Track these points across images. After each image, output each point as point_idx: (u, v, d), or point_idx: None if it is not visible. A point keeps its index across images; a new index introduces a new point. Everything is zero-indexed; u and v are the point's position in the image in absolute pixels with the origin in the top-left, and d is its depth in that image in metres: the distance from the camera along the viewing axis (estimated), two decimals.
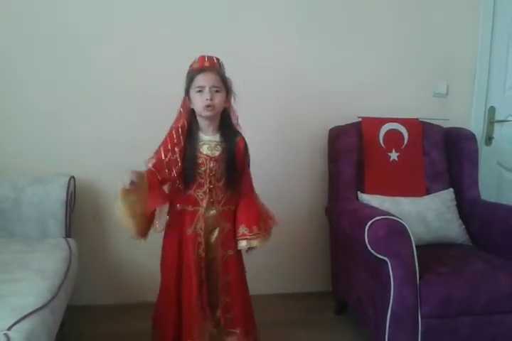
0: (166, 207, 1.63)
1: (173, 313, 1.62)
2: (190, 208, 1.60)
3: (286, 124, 2.43)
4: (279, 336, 2.03)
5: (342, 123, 2.33)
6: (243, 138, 1.66)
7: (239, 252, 1.68)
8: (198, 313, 1.58)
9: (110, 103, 2.25)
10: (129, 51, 2.24)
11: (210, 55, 1.59)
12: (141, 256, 2.34)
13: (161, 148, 1.58)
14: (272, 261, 2.49)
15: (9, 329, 1.14)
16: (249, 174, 1.70)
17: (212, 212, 1.61)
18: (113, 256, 2.35)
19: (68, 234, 2.05)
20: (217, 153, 1.59)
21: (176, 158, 1.55)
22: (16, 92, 2.18)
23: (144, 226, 1.58)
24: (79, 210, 2.21)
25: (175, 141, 1.57)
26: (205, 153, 1.58)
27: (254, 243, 1.63)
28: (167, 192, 1.65)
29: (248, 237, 1.62)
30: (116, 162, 2.20)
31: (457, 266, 1.77)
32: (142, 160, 1.58)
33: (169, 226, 1.65)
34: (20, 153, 2.20)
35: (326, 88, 2.45)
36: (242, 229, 1.63)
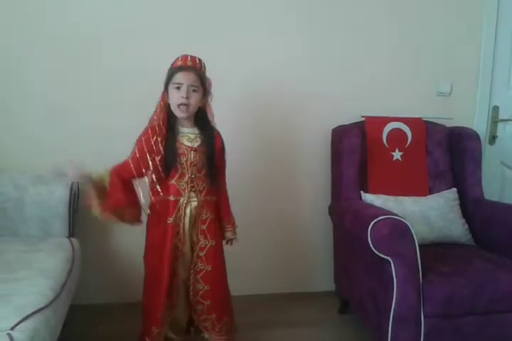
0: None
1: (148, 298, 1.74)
2: (171, 198, 1.64)
3: (289, 124, 2.43)
4: (283, 335, 2.03)
5: (345, 122, 2.33)
6: (219, 134, 1.74)
7: (221, 242, 1.75)
8: (164, 302, 1.66)
9: (113, 102, 2.25)
10: (130, 50, 2.24)
11: (192, 55, 1.65)
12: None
13: (142, 138, 1.62)
14: (274, 261, 2.50)
15: (12, 329, 1.15)
16: (224, 170, 1.79)
17: (195, 203, 1.66)
18: (116, 255, 2.35)
19: (71, 234, 2.06)
20: (196, 144, 1.66)
21: (159, 149, 1.60)
22: (18, 91, 2.19)
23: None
24: (82, 210, 2.21)
25: (157, 132, 1.61)
26: (185, 144, 1.64)
27: (234, 234, 1.80)
28: (148, 182, 1.67)
29: (233, 228, 1.79)
30: (120, 162, 2.21)
31: (460, 265, 1.77)
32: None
33: (152, 215, 1.70)
34: (23, 152, 2.20)
35: (330, 88, 2.45)
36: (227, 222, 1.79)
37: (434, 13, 2.51)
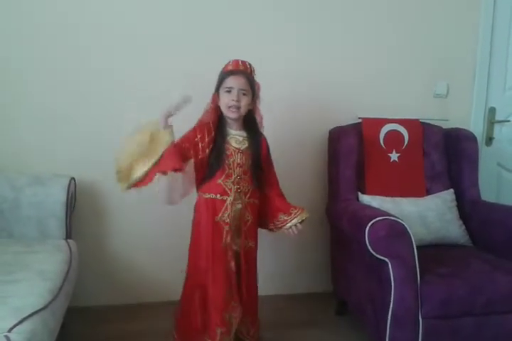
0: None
1: (198, 299, 1.69)
2: (218, 197, 1.69)
3: (286, 125, 2.42)
4: (281, 336, 2.03)
5: (342, 123, 2.33)
6: (265, 138, 1.82)
7: (257, 245, 1.80)
8: (228, 301, 1.65)
9: (111, 103, 2.25)
10: (129, 51, 2.24)
11: (243, 59, 1.71)
12: (141, 257, 2.34)
13: (189, 134, 1.67)
14: (272, 262, 2.49)
15: (10, 330, 1.14)
16: (273, 169, 1.87)
17: (239, 205, 1.70)
18: (113, 257, 2.35)
19: (69, 235, 2.05)
20: (244, 146, 1.72)
21: (204, 147, 1.65)
22: (16, 92, 2.17)
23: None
24: (79, 211, 2.21)
25: (206, 131, 1.67)
26: (233, 145, 1.70)
27: (303, 216, 1.76)
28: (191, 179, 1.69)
29: (291, 218, 1.75)
30: None
31: (457, 266, 1.77)
32: None
33: (198, 213, 1.74)
34: (20, 153, 2.19)
35: (326, 89, 2.45)
36: (282, 217, 1.77)
37: (431, 15, 2.52)
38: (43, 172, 2.12)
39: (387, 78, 2.52)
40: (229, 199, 1.68)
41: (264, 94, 2.32)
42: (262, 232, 1.83)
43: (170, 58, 2.25)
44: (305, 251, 2.54)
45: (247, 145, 1.72)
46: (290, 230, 1.76)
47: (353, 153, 2.20)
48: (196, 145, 1.65)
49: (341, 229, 2.06)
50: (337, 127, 2.33)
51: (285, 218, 1.77)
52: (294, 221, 1.75)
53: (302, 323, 2.20)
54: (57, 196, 2.01)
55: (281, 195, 1.84)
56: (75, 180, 2.12)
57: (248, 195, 1.72)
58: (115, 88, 2.24)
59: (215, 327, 1.66)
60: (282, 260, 2.52)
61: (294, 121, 2.43)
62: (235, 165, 1.68)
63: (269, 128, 2.38)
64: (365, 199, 2.14)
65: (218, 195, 1.68)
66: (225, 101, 1.66)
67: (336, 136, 2.28)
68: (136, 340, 1.97)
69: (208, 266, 1.68)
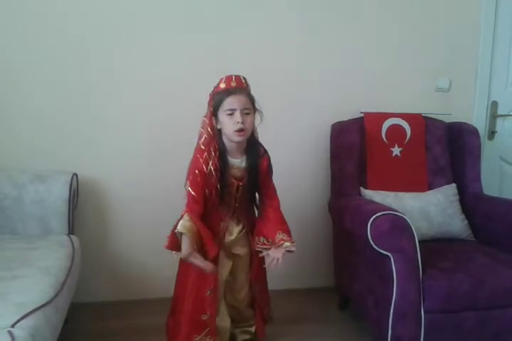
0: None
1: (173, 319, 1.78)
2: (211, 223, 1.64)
3: (288, 120, 2.42)
4: (283, 331, 2.04)
5: (344, 118, 2.32)
6: (267, 156, 1.68)
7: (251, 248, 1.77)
8: (199, 322, 1.65)
9: (110, 101, 2.25)
10: (128, 50, 2.23)
11: (236, 74, 1.58)
12: (143, 253, 2.35)
13: (197, 169, 1.56)
14: None
15: (13, 326, 1.14)
16: (272, 182, 1.75)
17: (233, 223, 1.71)
18: (115, 253, 2.35)
19: (71, 231, 2.06)
20: (243, 175, 1.63)
21: (215, 181, 1.56)
22: (18, 90, 2.17)
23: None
24: (81, 207, 2.21)
25: (210, 163, 1.55)
26: (234, 175, 1.61)
27: (293, 248, 1.66)
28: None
29: (289, 241, 1.66)
30: (118, 159, 2.21)
31: (460, 260, 1.77)
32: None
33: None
34: (22, 151, 2.20)
35: (328, 84, 2.44)
36: (279, 236, 1.66)
37: (434, 10, 2.50)
38: (45, 169, 2.12)
39: (389, 73, 2.51)
40: (222, 224, 1.66)
41: (266, 90, 2.33)
42: None
43: (168, 59, 2.25)
44: (307, 246, 2.54)
45: (245, 173, 1.62)
46: (271, 262, 1.64)
47: (355, 147, 2.20)
48: (207, 182, 1.56)
49: (344, 224, 2.06)
50: (339, 122, 2.32)
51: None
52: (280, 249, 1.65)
53: (305, 318, 2.21)
54: (59, 192, 2.01)
55: (277, 209, 1.73)
56: (77, 176, 2.12)
57: (242, 214, 1.71)
58: (115, 87, 2.24)
59: (191, 334, 1.65)
60: (284, 255, 2.51)
61: (296, 117, 2.43)
62: (233, 194, 1.63)
63: (271, 124, 2.39)
64: (368, 194, 2.14)
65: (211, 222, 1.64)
66: (229, 125, 1.51)
67: (338, 131, 2.27)
68: (138, 336, 1.98)
69: (184, 294, 1.68)
